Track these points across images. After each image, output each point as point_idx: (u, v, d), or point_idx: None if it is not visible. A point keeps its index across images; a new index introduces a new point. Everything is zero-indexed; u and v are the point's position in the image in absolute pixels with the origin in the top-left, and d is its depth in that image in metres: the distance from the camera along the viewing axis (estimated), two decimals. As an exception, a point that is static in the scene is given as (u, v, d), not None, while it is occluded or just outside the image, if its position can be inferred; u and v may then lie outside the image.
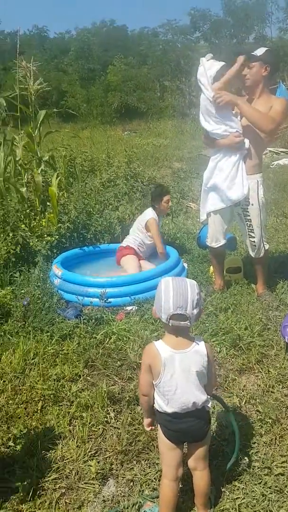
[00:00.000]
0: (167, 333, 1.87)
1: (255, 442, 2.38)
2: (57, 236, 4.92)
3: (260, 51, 3.62)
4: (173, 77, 25.62)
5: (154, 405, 1.92)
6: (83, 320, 3.59)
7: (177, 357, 1.82)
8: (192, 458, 1.96)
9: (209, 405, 1.91)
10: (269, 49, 3.67)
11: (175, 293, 1.76)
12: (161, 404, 1.87)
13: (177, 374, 1.83)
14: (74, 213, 5.25)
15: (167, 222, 6.34)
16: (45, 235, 4.89)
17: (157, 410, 1.91)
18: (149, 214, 4.71)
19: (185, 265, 4.63)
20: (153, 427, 2.06)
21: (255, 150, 3.69)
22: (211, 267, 4.37)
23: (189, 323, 1.79)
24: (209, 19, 24.58)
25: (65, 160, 8.31)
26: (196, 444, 1.93)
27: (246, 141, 3.63)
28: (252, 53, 3.63)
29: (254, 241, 3.85)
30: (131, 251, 4.62)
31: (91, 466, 2.24)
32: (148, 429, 2.08)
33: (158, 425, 1.94)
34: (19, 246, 4.59)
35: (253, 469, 2.21)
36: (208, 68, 3.55)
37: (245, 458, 2.26)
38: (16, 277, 4.26)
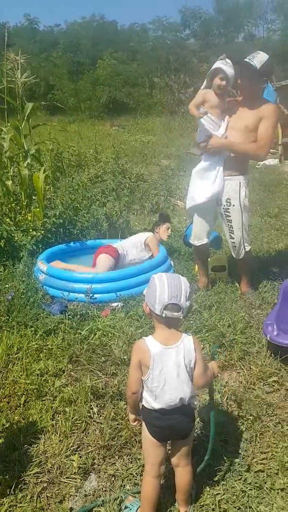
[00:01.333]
0: (157, 328, 1.88)
1: (236, 439, 2.42)
2: (42, 231, 4.89)
3: (258, 61, 3.47)
4: (162, 73, 25.58)
5: (143, 402, 1.93)
6: (68, 315, 3.59)
7: (166, 352, 1.84)
8: (175, 454, 1.97)
9: (195, 402, 1.93)
10: (268, 56, 3.54)
11: (169, 284, 1.80)
12: (149, 400, 1.88)
13: (166, 370, 1.84)
14: (61, 208, 5.23)
15: (154, 219, 6.35)
16: (31, 230, 4.86)
17: (144, 407, 1.92)
18: (147, 233, 4.71)
19: (171, 262, 4.65)
20: (137, 423, 2.08)
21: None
22: (196, 265, 4.40)
23: (181, 315, 1.81)
24: (200, 18, 24.54)
25: (52, 154, 8.28)
26: (180, 442, 1.95)
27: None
28: (248, 61, 3.50)
29: (234, 242, 3.89)
30: (114, 253, 4.44)
31: (73, 460, 2.25)
32: (133, 424, 2.09)
33: (143, 423, 1.95)
34: (3, 240, 4.55)
35: (233, 465, 2.24)
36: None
37: (225, 456, 2.29)
38: (0, 272, 4.23)
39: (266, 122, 3.58)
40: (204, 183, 3.78)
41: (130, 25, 32.74)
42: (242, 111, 3.66)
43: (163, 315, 1.81)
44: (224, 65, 3.55)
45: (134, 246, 4.59)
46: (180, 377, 1.85)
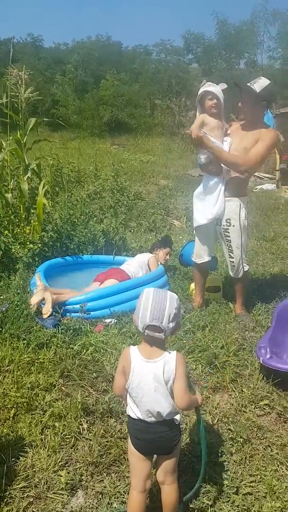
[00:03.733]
0: (143, 341, 1.90)
1: (225, 461, 2.41)
2: (40, 245, 4.91)
3: (259, 86, 3.61)
4: (164, 96, 26.00)
5: (127, 410, 1.95)
6: (61, 330, 3.58)
7: (146, 366, 1.85)
8: (160, 471, 1.97)
9: (178, 417, 1.92)
10: (270, 82, 3.69)
11: (153, 304, 1.81)
12: (132, 407, 1.91)
13: (144, 383, 1.85)
14: (59, 222, 5.27)
15: (150, 238, 6.40)
16: (28, 243, 4.88)
17: (129, 416, 1.94)
18: (149, 254, 4.79)
19: (166, 279, 4.67)
20: None
21: (239, 175, 3.78)
22: (192, 285, 4.43)
23: (163, 336, 1.82)
24: (202, 43, 25.01)
25: (52, 169, 8.35)
26: (164, 457, 1.95)
27: (224, 167, 3.76)
28: (250, 85, 3.64)
29: (233, 261, 3.94)
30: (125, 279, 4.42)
31: (61, 476, 2.23)
32: None
33: (129, 437, 1.96)
34: (1, 252, 4.57)
35: (222, 487, 2.23)
36: (199, 96, 3.72)
37: (213, 478, 2.27)
38: (-4, 283, 4.23)
39: (261, 143, 3.68)
40: (205, 205, 3.87)
41: (134, 47, 33.19)
42: (243, 134, 3.77)
43: (145, 334, 1.83)
44: (208, 87, 3.68)
45: (140, 267, 4.62)
46: (158, 391, 1.85)
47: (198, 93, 3.73)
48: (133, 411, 1.91)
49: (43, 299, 3.81)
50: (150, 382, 1.85)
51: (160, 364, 1.85)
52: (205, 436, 2.08)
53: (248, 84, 3.66)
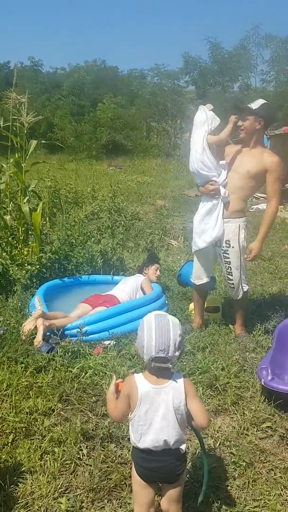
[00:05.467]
0: (148, 369, 1.87)
1: (228, 485, 2.36)
2: (38, 266, 4.90)
3: (256, 104, 3.72)
4: (160, 118, 26.39)
5: (130, 439, 1.91)
6: (59, 352, 3.54)
7: (154, 392, 1.82)
8: (165, 499, 1.93)
9: (183, 447, 1.88)
10: (266, 102, 3.79)
11: (157, 334, 1.76)
12: (133, 439, 1.87)
13: (152, 410, 1.82)
14: (57, 243, 5.27)
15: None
16: (26, 264, 4.87)
17: (132, 445, 1.90)
18: (141, 276, 4.77)
19: (165, 300, 4.65)
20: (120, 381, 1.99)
21: (238, 197, 3.82)
22: (191, 305, 4.42)
23: (170, 365, 1.80)
24: (199, 66, 25.50)
25: (50, 190, 8.41)
26: (169, 486, 1.91)
27: (222, 190, 3.79)
28: (248, 105, 3.76)
29: (232, 283, 3.94)
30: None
31: (61, 503, 2.18)
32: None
33: (133, 463, 1.92)
34: (-2, 273, 4.55)
35: (225, 513, 2.18)
36: (211, 118, 3.73)
37: (217, 503, 2.23)
38: (-7, 305, 4.21)
39: (272, 176, 3.72)
40: (204, 228, 3.89)
41: (129, 71, 34.03)
42: (245, 156, 3.80)
43: (152, 365, 1.80)
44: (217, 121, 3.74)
45: (134, 293, 4.58)
46: (166, 419, 1.82)
47: (215, 126, 3.73)
48: (137, 440, 1.86)
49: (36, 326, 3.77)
50: (159, 409, 1.82)
51: (169, 390, 1.82)
52: (207, 462, 2.05)
53: (248, 105, 3.78)
